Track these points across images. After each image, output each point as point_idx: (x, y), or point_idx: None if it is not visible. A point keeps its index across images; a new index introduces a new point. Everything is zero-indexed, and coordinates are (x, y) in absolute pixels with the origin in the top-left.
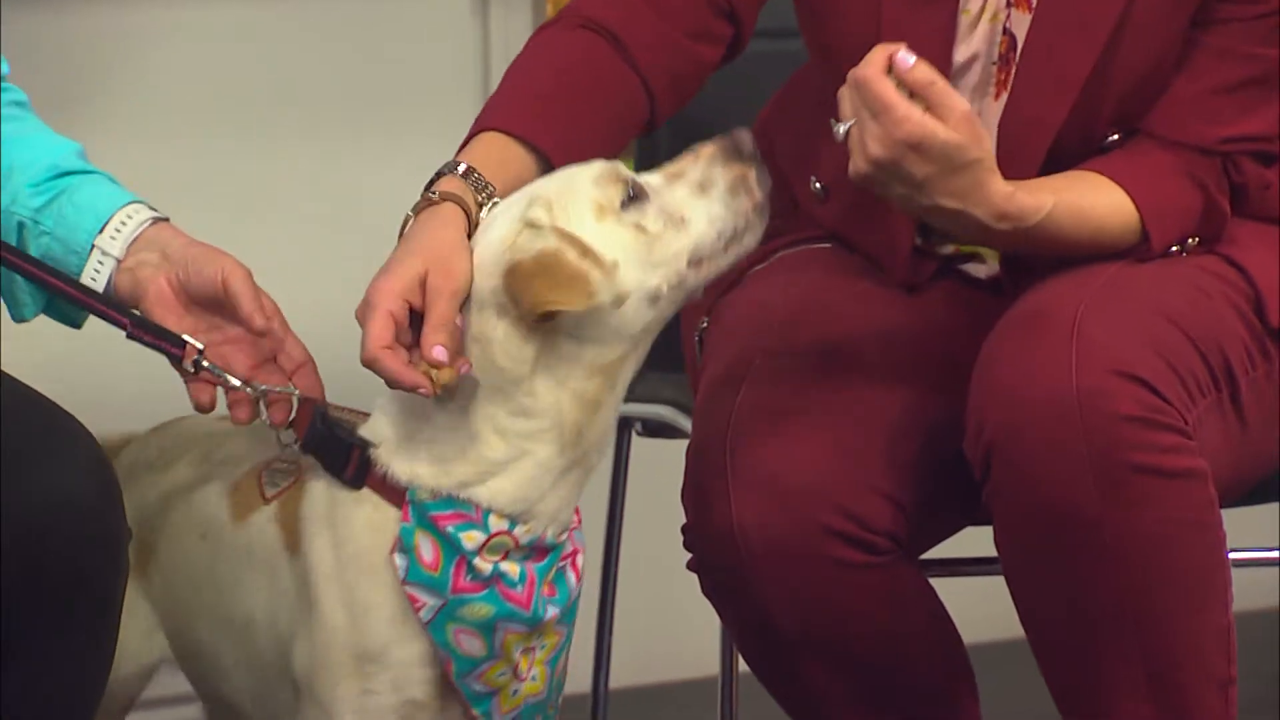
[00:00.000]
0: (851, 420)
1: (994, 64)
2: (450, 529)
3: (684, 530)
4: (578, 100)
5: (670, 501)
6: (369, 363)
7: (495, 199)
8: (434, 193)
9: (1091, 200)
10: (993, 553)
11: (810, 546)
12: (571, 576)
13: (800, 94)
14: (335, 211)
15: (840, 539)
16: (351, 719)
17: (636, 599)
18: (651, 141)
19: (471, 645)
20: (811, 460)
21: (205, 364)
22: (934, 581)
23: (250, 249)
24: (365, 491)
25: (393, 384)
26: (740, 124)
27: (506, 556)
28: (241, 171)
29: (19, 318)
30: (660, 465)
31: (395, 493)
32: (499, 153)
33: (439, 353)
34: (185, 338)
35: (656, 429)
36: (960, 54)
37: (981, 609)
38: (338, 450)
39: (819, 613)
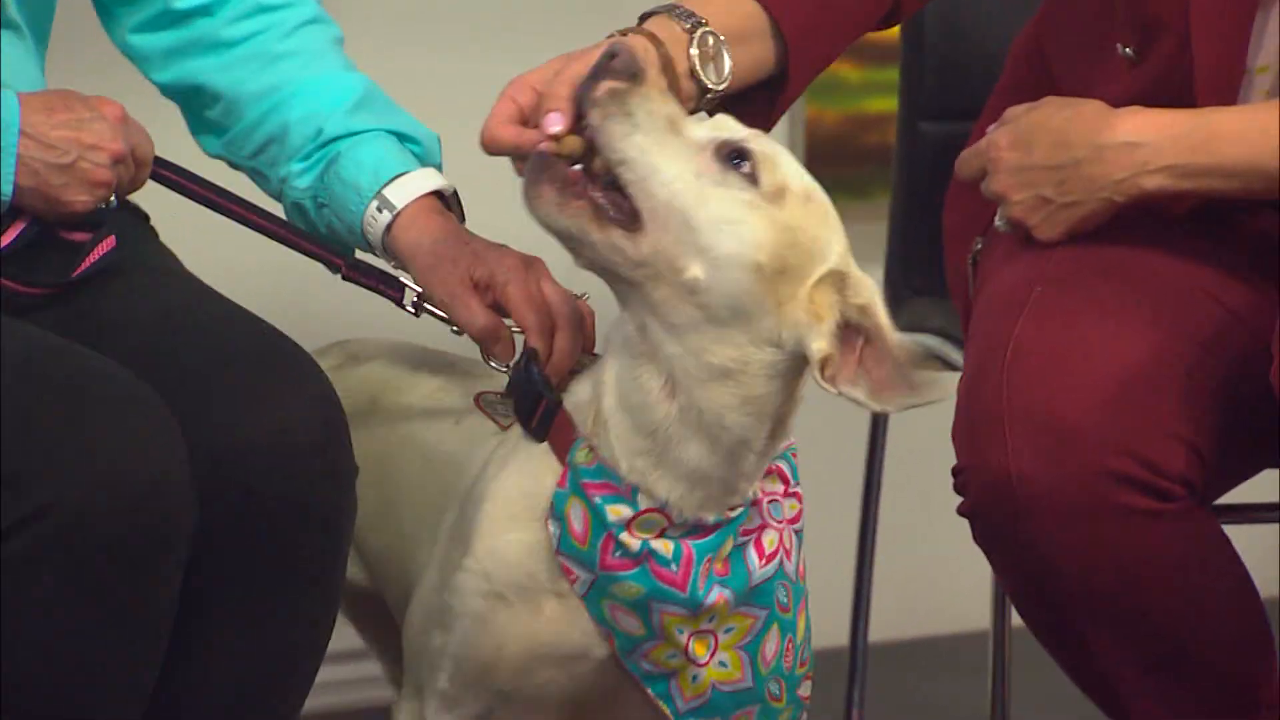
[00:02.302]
0: (1143, 354)
1: None
2: (598, 500)
3: (954, 472)
4: None
5: (937, 440)
6: (486, 143)
7: (708, 29)
8: (618, 31)
9: None
10: None
11: (1095, 493)
12: (753, 556)
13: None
14: None
15: (1129, 485)
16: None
17: (899, 546)
18: (918, 72)
19: (628, 623)
20: (1097, 398)
21: (426, 306)
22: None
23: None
24: (545, 446)
25: (512, 153)
26: (1005, 39)
27: (662, 534)
28: (449, 83)
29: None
30: None
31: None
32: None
33: (551, 119)
34: (403, 279)
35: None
36: None
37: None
38: (529, 398)
39: (1104, 566)
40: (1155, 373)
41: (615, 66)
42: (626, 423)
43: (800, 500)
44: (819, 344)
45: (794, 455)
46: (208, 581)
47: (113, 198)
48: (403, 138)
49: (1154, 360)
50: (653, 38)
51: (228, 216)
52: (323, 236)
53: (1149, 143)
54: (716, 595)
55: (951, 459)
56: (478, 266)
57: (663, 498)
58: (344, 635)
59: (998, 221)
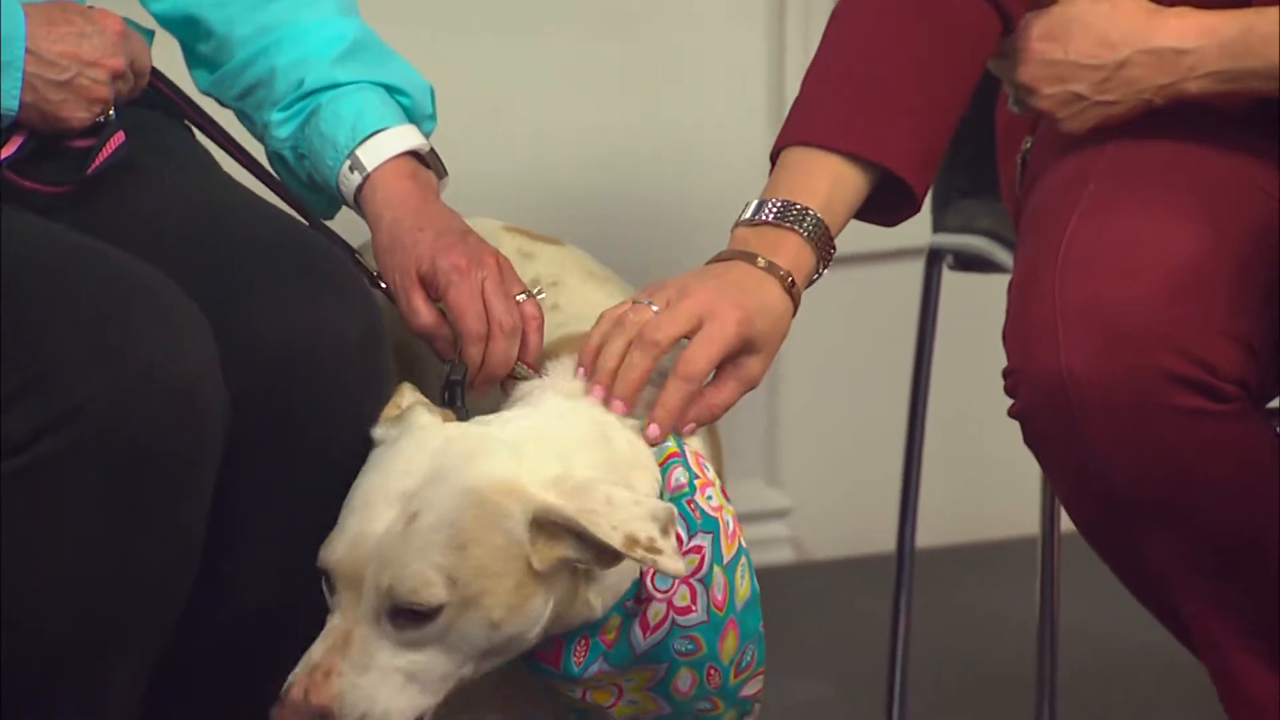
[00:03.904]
0: (1197, 251)
1: None
2: None
3: (1005, 374)
4: (909, 71)
5: (985, 342)
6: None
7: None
8: (763, 261)
9: None
10: None
11: (1149, 394)
12: (637, 632)
13: None
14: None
15: (1184, 386)
16: None
17: (946, 450)
18: None
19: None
20: (1152, 297)
21: (381, 285)
22: None
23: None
24: None
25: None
26: None
27: None
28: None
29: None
30: (974, 302)
31: None
32: (824, 178)
33: (616, 406)
34: (359, 257)
35: (970, 262)
36: None
37: None
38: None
39: (1157, 468)
40: (1210, 270)
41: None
42: None
43: (701, 550)
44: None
45: (689, 502)
46: (240, 485)
47: (111, 110)
48: (391, 90)
49: (1208, 257)
50: (783, 274)
51: (215, 143)
52: (303, 186)
53: (1196, 49)
54: (596, 669)
55: (999, 362)
56: (424, 262)
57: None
58: None
59: (1011, 104)
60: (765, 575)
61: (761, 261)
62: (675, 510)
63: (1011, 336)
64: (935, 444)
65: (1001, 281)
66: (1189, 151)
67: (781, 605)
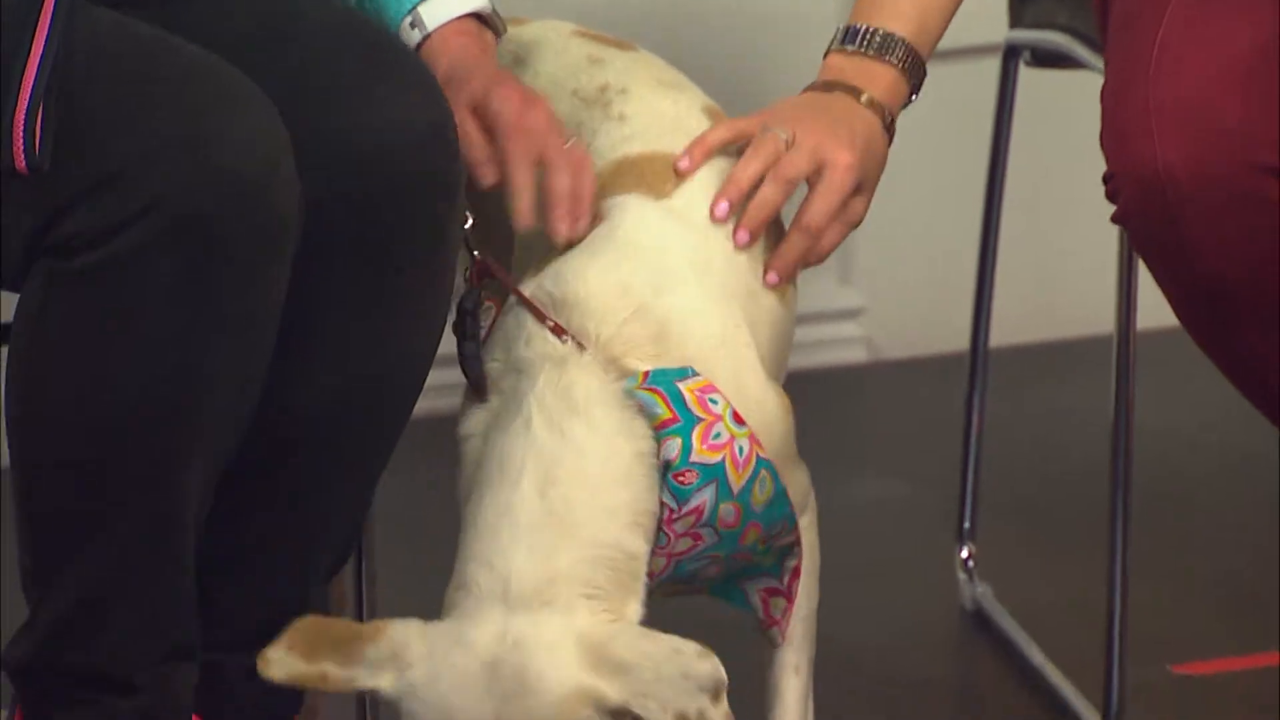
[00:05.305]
0: None
1: None
2: None
3: (1105, 179)
4: None
5: (1061, 139)
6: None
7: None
8: (866, 98)
9: None
10: None
11: (1244, 186)
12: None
13: None
14: None
15: (1278, 178)
16: None
17: (1021, 249)
18: None
19: None
20: (1245, 92)
21: None
22: None
23: None
24: None
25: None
26: None
27: None
28: None
29: None
30: (1051, 99)
31: None
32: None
33: (741, 237)
34: None
35: (1047, 58)
36: None
37: None
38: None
39: (1261, 263)
40: None
41: None
42: None
43: (699, 509)
44: None
45: (677, 477)
46: (312, 283)
47: None
48: None
49: None
50: (883, 110)
51: None
52: None
53: None
54: None
55: (1075, 160)
56: (478, 90)
57: None
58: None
59: None
60: (838, 375)
61: (865, 97)
62: (722, 674)
63: (1108, 139)
64: (1009, 243)
65: (1078, 78)
66: None
67: (854, 405)
